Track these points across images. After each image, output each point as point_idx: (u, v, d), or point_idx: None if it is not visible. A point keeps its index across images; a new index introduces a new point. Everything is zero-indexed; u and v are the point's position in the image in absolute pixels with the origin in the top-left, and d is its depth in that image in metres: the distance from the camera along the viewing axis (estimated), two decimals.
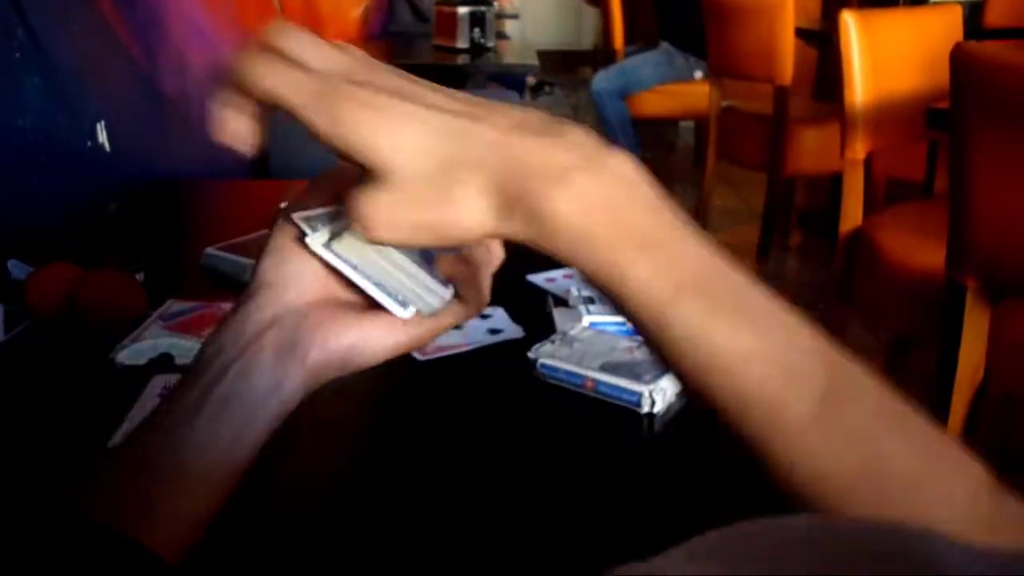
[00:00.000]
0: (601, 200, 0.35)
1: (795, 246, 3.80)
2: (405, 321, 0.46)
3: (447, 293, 0.46)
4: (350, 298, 0.46)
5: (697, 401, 0.37)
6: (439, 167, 0.36)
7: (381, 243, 0.39)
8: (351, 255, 0.44)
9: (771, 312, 0.37)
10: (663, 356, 0.37)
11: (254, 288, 0.46)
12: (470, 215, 0.36)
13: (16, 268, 1.10)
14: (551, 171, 0.35)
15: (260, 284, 0.46)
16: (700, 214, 3.85)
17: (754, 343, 0.35)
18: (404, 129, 0.36)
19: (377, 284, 0.45)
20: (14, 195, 1.38)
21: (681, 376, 0.37)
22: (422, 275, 0.45)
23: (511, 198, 0.35)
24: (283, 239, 0.46)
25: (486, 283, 0.47)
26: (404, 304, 0.45)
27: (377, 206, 0.36)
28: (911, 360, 2.59)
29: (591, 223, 0.35)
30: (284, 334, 0.44)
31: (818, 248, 3.64)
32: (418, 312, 0.46)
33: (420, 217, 0.36)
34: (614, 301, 0.37)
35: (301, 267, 0.45)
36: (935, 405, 1.63)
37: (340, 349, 0.45)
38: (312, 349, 0.44)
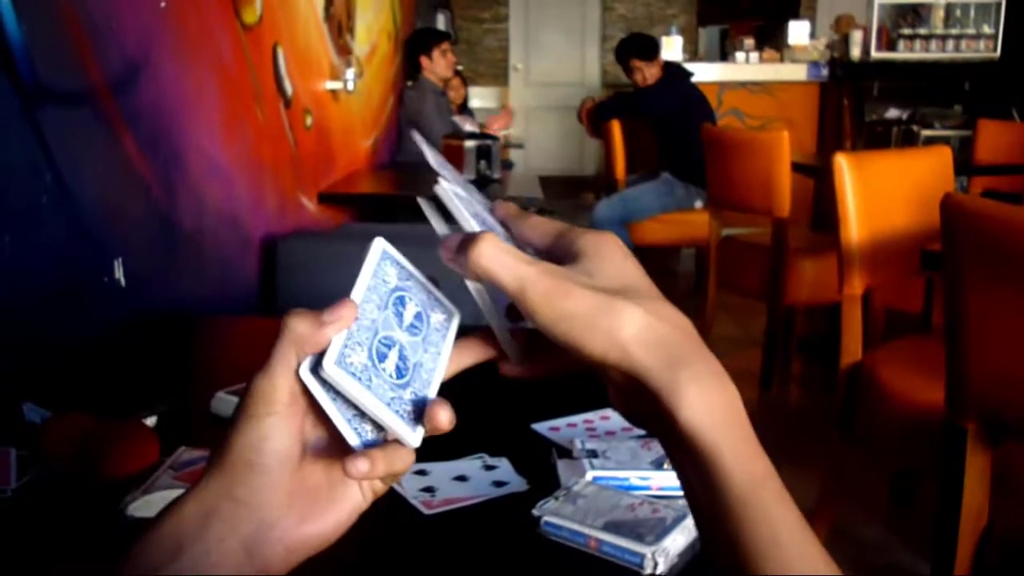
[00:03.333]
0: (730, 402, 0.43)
1: (797, 374, 3.82)
2: (363, 496, 0.46)
3: (418, 431, 0.45)
4: (318, 478, 0.46)
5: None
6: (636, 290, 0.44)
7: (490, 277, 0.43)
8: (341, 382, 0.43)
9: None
10: (726, 531, 0.42)
11: (224, 465, 0.44)
12: (625, 332, 0.42)
13: (31, 412, 1.13)
14: (708, 365, 0.43)
15: (230, 463, 0.44)
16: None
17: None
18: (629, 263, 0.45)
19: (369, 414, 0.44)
20: (30, 335, 1.41)
21: (731, 546, 0.42)
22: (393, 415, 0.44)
23: (668, 359, 0.42)
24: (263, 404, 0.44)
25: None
26: (413, 426, 0.44)
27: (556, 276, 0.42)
28: (916, 493, 2.57)
29: (722, 415, 0.42)
30: (243, 542, 0.44)
31: (820, 376, 3.65)
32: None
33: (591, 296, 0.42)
34: (707, 472, 0.42)
35: (274, 457, 0.44)
36: (940, 547, 1.62)
37: (298, 548, 0.45)
38: (270, 554, 0.44)
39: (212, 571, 0.43)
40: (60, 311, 1.49)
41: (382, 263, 0.47)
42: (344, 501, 0.46)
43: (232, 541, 0.44)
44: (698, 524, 0.44)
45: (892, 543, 2.36)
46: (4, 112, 1.33)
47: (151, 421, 1.12)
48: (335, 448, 0.46)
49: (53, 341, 1.46)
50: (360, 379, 0.43)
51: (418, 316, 0.47)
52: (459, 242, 0.44)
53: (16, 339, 1.37)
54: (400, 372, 0.45)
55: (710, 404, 0.41)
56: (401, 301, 0.47)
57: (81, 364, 1.44)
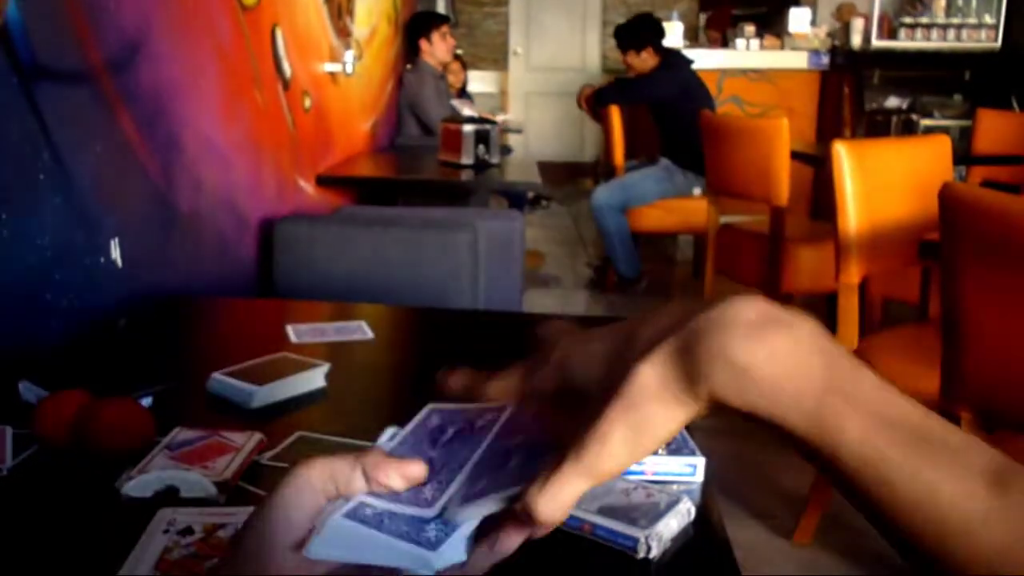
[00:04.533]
0: (794, 352, 0.35)
1: None
2: None
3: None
4: None
5: (922, 560, 0.36)
6: (618, 375, 0.38)
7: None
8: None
9: (974, 454, 0.36)
10: (888, 511, 0.36)
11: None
12: (662, 409, 0.37)
13: (26, 390, 1.13)
14: (737, 327, 0.36)
15: None
16: None
17: (987, 502, 0.35)
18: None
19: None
20: (27, 313, 1.41)
21: (908, 535, 0.36)
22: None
23: (696, 362, 0.36)
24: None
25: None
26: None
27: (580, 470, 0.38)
28: None
29: (790, 374, 0.35)
30: None
31: None
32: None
33: (628, 440, 0.37)
34: (827, 457, 0.36)
35: None
36: None
37: None
38: None
39: None
40: (57, 290, 1.49)
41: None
42: None
43: None
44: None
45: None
46: (2, 90, 1.33)
47: (147, 401, 1.12)
48: None
49: (50, 320, 1.46)
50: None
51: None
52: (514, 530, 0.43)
53: (13, 318, 1.37)
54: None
55: (744, 387, 0.35)
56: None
57: (78, 344, 1.44)
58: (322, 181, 3.09)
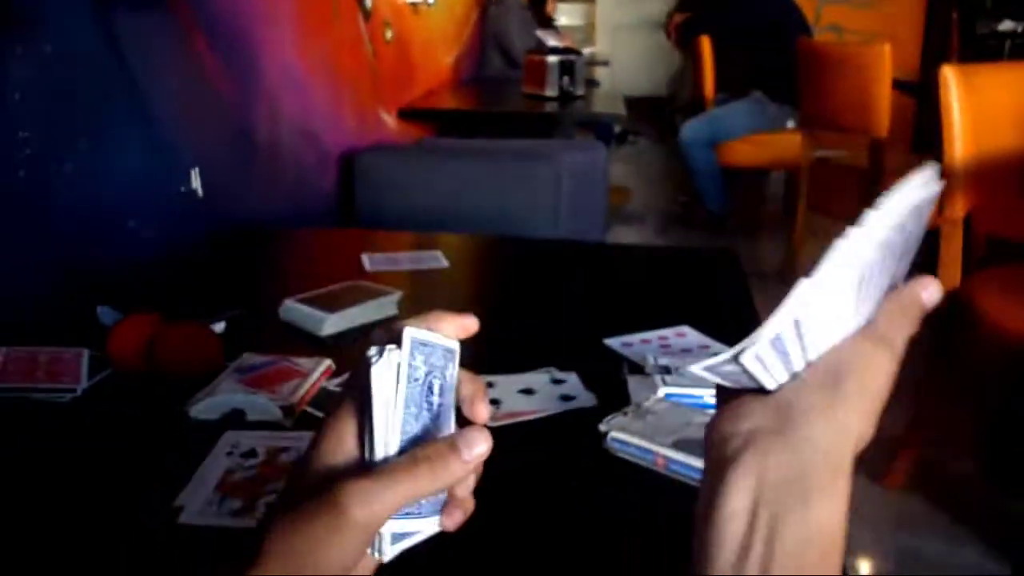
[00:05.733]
0: None
1: None
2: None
3: None
4: None
5: None
6: None
7: None
8: None
9: None
10: None
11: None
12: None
13: (105, 314, 1.13)
14: None
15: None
16: (789, 267, 3.77)
17: None
18: None
19: None
20: (109, 240, 1.43)
21: None
22: None
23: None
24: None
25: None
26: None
27: None
28: (1012, 429, 2.45)
29: None
30: None
31: None
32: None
33: None
34: None
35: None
36: None
37: None
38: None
39: None
40: (138, 218, 1.50)
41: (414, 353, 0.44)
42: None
43: None
44: None
45: (981, 480, 2.26)
46: (76, 17, 1.32)
47: (220, 327, 1.12)
48: None
49: (131, 247, 1.47)
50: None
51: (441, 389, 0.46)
52: None
53: (95, 245, 1.38)
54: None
55: None
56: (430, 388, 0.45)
57: (158, 270, 1.45)
58: (403, 114, 3.06)
